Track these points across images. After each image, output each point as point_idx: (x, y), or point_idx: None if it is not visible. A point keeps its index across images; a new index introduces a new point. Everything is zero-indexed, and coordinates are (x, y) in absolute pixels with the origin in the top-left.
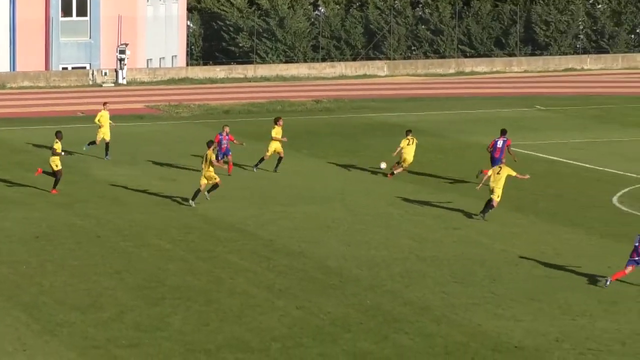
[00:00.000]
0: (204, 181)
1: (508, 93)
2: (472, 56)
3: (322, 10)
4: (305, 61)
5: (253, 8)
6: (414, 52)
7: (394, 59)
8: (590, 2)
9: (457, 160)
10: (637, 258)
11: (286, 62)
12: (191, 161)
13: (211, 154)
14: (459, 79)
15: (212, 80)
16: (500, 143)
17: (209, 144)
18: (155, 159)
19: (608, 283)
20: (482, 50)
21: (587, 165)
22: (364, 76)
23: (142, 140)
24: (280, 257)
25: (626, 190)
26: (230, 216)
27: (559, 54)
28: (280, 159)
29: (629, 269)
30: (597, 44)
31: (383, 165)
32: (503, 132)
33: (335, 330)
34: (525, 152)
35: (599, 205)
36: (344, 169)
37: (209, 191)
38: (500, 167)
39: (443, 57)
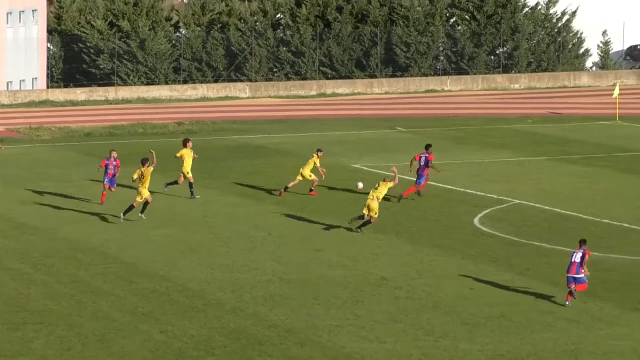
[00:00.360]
0: (139, 198)
1: (369, 114)
2: (333, 78)
3: (183, 31)
4: (166, 83)
5: (114, 30)
6: (275, 74)
7: (256, 80)
8: (450, 23)
9: (320, 181)
10: (575, 275)
11: (147, 84)
12: (52, 184)
13: (146, 171)
14: (320, 100)
15: (73, 103)
16: (423, 159)
17: (143, 161)
18: (16, 182)
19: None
20: (343, 71)
21: (448, 187)
22: (226, 98)
23: (1, 163)
24: (143, 280)
25: (487, 211)
26: (92, 239)
27: (420, 75)
28: (190, 183)
29: (572, 286)
30: (457, 65)
31: (360, 185)
32: (427, 147)
33: (198, 353)
34: (387, 173)
35: (461, 227)
36: (206, 190)
37: (142, 211)
38: (379, 184)
39: (304, 78)
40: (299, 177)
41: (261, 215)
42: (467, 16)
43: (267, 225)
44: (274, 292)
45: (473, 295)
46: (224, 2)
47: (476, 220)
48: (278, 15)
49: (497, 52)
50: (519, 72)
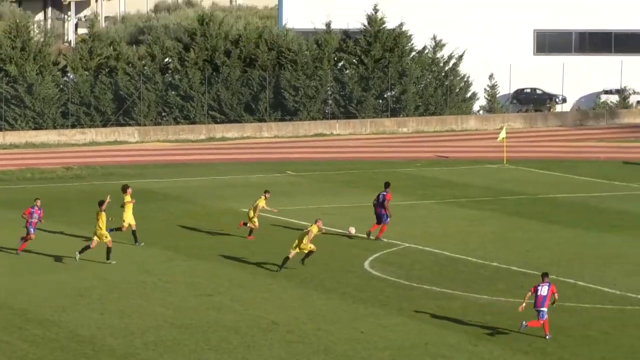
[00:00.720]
0: (96, 240)
1: (259, 158)
2: (222, 122)
3: (71, 76)
4: (55, 128)
5: (1, 74)
6: (164, 118)
7: (145, 124)
8: (338, 67)
9: (211, 225)
10: (540, 308)
11: (35, 128)
12: None
13: (101, 215)
14: (209, 144)
15: None
16: (381, 197)
17: (100, 203)
18: None
19: (547, 337)
20: (232, 115)
21: (339, 230)
22: (115, 142)
23: None
24: (33, 327)
25: (377, 255)
26: None
27: (309, 119)
28: (134, 232)
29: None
30: (346, 109)
31: (352, 230)
32: (386, 186)
33: None
34: (277, 217)
35: (351, 270)
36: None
37: (107, 258)
38: (311, 226)
39: (193, 122)
40: (254, 220)
41: (151, 260)
42: (355, 60)
43: (157, 270)
44: (165, 337)
45: (364, 339)
46: (111, 47)
47: (367, 264)
48: (166, 60)
49: (385, 96)
50: (407, 115)
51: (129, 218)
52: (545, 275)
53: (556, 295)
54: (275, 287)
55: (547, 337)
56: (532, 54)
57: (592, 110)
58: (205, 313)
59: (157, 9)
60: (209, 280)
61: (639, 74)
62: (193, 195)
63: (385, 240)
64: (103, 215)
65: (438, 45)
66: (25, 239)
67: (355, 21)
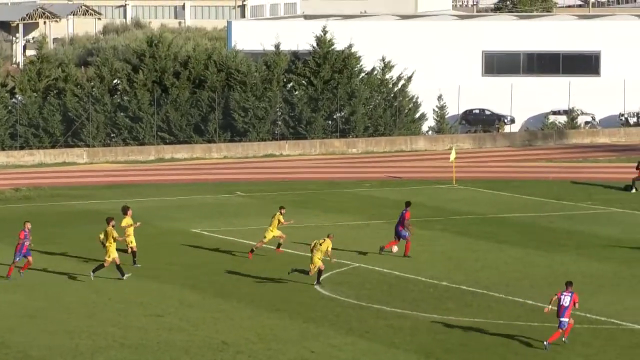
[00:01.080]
0: (107, 257)
1: (208, 179)
2: (171, 143)
3: (20, 97)
4: (3, 149)
5: None
6: (113, 139)
7: (94, 146)
8: (288, 88)
9: (161, 246)
10: (561, 318)
11: None
12: None
13: (111, 230)
14: (158, 165)
15: None
16: (401, 216)
17: (108, 220)
18: None
19: (564, 339)
20: (181, 136)
21: (289, 250)
22: (64, 164)
23: None
24: None
25: (327, 274)
26: None
27: (258, 140)
28: (134, 252)
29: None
30: (295, 130)
31: (395, 248)
32: (407, 204)
33: None
34: (227, 238)
35: (302, 290)
36: (45, 256)
37: (93, 270)
38: (324, 239)
39: (142, 144)
40: (267, 237)
41: (102, 280)
42: (304, 81)
43: (107, 290)
44: (115, 357)
45: (314, 358)
46: (60, 68)
47: (316, 284)
48: (115, 81)
49: (335, 116)
50: (357, 136)
51: (130, 239)
52: (569, 284)
53: (577, 305)
54: (226, 307)
55: (564, 339)
56: (480, 75)
57: (541, 130)
58: (155, 333)
59: (105, 30)
60: (159, 301)
61: (587, 94)
62: (142, 216)
63: (397, 253)
64: (112, 231)
65: (387, 66)
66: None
67: (305, 42)
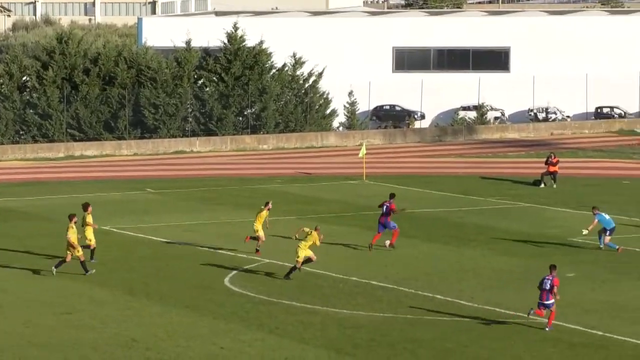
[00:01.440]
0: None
1: (119, 176)
2: (81, 140)
3: None
4: None
5: None
6: (22, 137)
7: (2, 143)
8: (198, 85)
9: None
10: (544, 301)
11: None
12: None
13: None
14: (68, 162)
15: None
16: (385, 207)
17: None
18: None
19: (547, 329)
20: (91, 133)
21: (199, 247)
22: None
23: None
24: None
25: (237, 271)
26: None
27: (169, 137)
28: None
29: (543, 312)
30: (206, 127)
31: (387, 243)
32: (391, 196)
33: None
34: (137, 235)
35: (211, 287)
36: None
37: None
38: (310, 232)
39: (52, 141)
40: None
41: (9, 278)
42: (215, 78)
43: (15, 288)
44: (24, 356)
45: (223, 355)
46: None
47: (227, 280)
48: (24, 78)
49: (246, 113)
50: (267, 132)
51: (90, 235)
52: (552, 267)
53: (555, 289)
54: (135, 305)
55: (548, 329)
56: (391, 71)
57: (451, 126)
58: (64, 331)
59: (15, 27)
60: (68, 299)
61: (497, 90)
62: (52, 214)
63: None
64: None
65: (298, 62)
66: None
67: (215, 39)
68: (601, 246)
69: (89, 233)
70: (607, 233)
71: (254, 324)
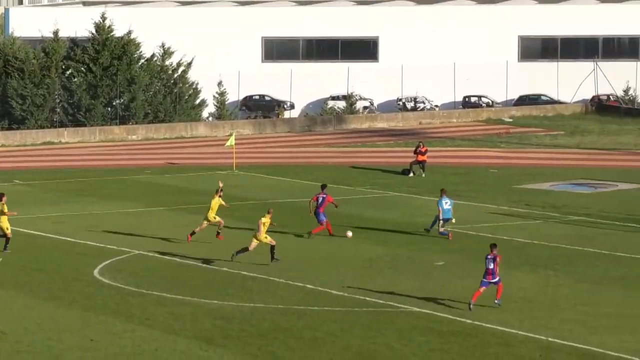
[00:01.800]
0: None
1: None
2: None
3: None
4: None
5: None
6: None
7: None
8: (66, 75)
9: None
10: (491, 280)
11: None
12: None
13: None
14: None
15: None
16: (320, 199)
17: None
18: None
19: (471, 306)
20: None
21: (68, 239)
22: None
23: None
24: None
25: (107, 262)
26: None
27: (36, 128)
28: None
29: (483, 288)
30: (74, 117)
31: (349, 234)
32: (323, 187)
33: None
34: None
35: (80, 279)
36: None
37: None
38: (265, 216)
39: None
40: (205, 222)
41: None
42: (83, 68)
43: None
44: None
45: (94, 347)
46: None
47: (96, 272)
48: None
49: (114, 103)
50: (137, 123)
51: (6, 224)
52: (493, 245)
53: (497, 261)
54: (4, 296)
55: (497, 301)
56: (260, 61)
57: (320, 116)
58: None
59: None
60: None
61: (365, 80)
62: None
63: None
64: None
65: (167, 52)
66: None
67: (83, 29)
68: (428, 229)
69: (4, 222)
70: (441, 224)
71: (124, 315)
